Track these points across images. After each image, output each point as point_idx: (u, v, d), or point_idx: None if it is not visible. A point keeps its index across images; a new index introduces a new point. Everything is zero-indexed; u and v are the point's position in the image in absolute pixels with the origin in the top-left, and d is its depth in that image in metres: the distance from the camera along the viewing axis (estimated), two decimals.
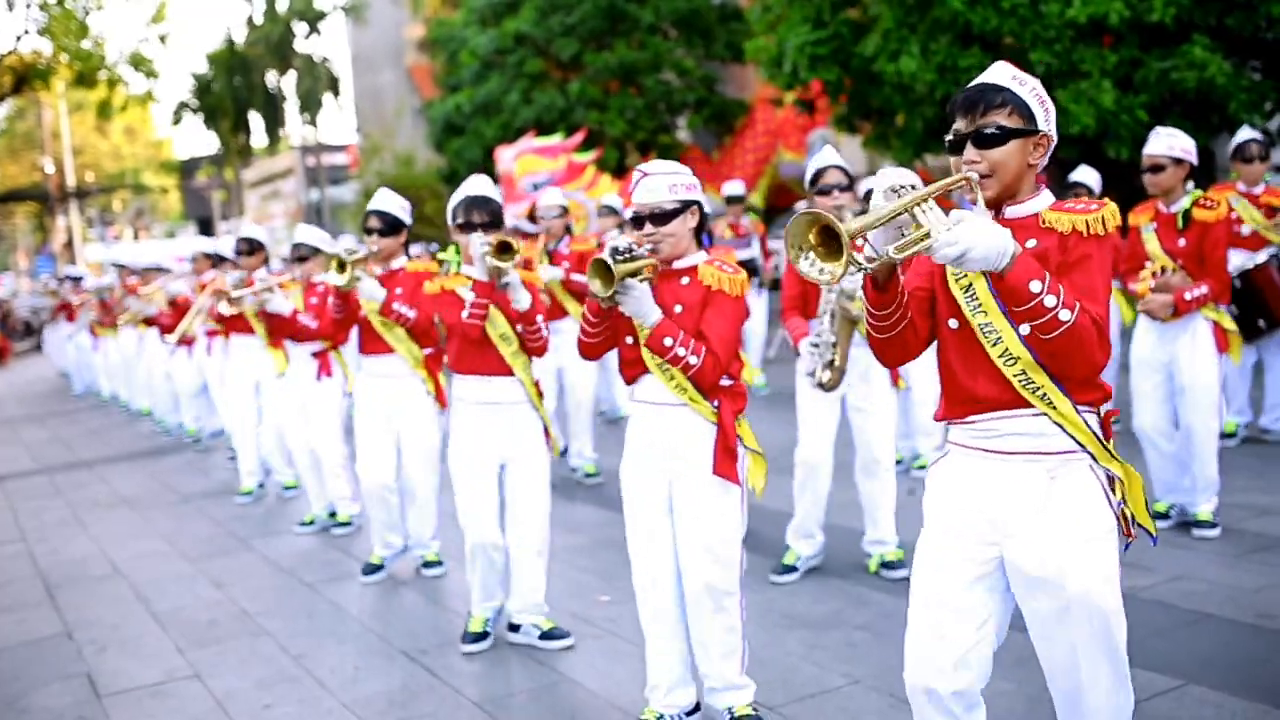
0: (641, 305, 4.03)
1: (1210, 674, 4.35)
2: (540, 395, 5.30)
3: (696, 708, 4.34)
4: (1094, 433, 2.89)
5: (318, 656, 5.47)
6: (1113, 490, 2.91)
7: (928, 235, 2.67)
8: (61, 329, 21.00)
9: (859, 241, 2.70)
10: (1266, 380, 8.08)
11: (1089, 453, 2.90)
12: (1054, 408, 2.88)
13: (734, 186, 12.34)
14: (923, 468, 7.72)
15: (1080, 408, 2.89)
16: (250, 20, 40.64)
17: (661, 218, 4.04)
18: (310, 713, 4.82)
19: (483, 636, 5.38)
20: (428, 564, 6.68)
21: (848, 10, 14.26)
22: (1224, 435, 7.59)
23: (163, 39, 30.04)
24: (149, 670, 5.49)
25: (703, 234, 4.22)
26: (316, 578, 6.82)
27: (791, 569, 5.99)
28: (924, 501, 3.13)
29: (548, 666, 5.06)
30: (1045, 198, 2.96)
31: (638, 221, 4.08)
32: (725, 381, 4.14)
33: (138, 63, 28.97)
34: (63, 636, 6.15)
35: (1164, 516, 6.24)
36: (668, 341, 3.98)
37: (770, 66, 15.15)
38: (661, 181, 4.05)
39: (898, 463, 7.50)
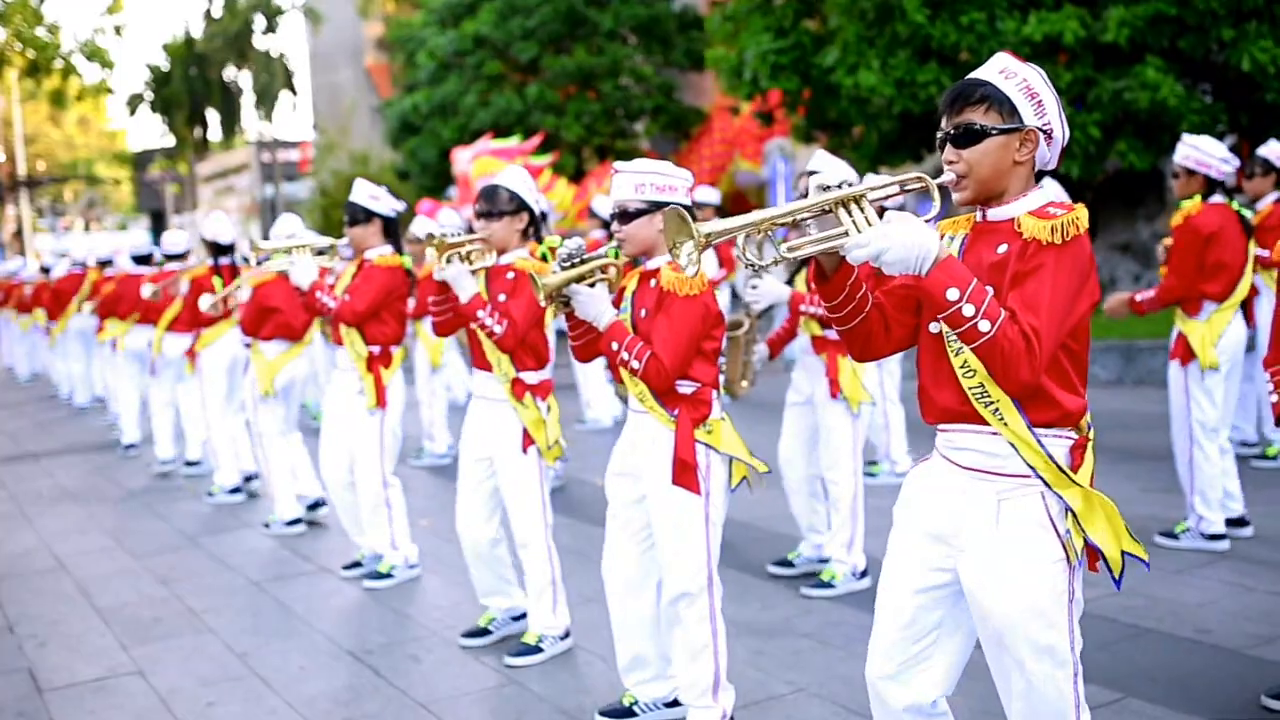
0: (589, 309, 4.05)
1: (1149, 687, 4.41)
2: (522, 395, 5.03)
3: (675, 703, 4.34)
4: (1049, 456, 2.73)
5: (263, 655, 5.44)
6: (1064, 519, 2.77)
7: (845, 234, 2.63)
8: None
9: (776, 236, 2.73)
10: None
11: (1042, 479, 2.75)
12: (1006, 425, 2.73)
13: (706, 193, 12.25)
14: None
15: (1038, 429, 2.74)
16: (208, 14, 40.34)
17: (625, 216, 4.01)
18: (254, 711, 4.79)
19: (482, 633, 5.38)
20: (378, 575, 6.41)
21: (808, 21, 14.34)
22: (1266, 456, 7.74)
23: (118, 30, 29.73)
24: (91, 666, 5.43)
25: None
26: (263, 576, 6.78)
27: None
28: (895, 504, 3.05)
29: (493, 668, 5.05)
30: (1032, 200, 2.78)
31: (614, 218, 4.06)
32: (686, 388, 4.02)
33: (93, 53, 28.66)
34: (3, 630, 6.08)
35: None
36: (614, 345, 3.97)
37: (730, 76, 15.19)
38: (629, 180, 4.02)
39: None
